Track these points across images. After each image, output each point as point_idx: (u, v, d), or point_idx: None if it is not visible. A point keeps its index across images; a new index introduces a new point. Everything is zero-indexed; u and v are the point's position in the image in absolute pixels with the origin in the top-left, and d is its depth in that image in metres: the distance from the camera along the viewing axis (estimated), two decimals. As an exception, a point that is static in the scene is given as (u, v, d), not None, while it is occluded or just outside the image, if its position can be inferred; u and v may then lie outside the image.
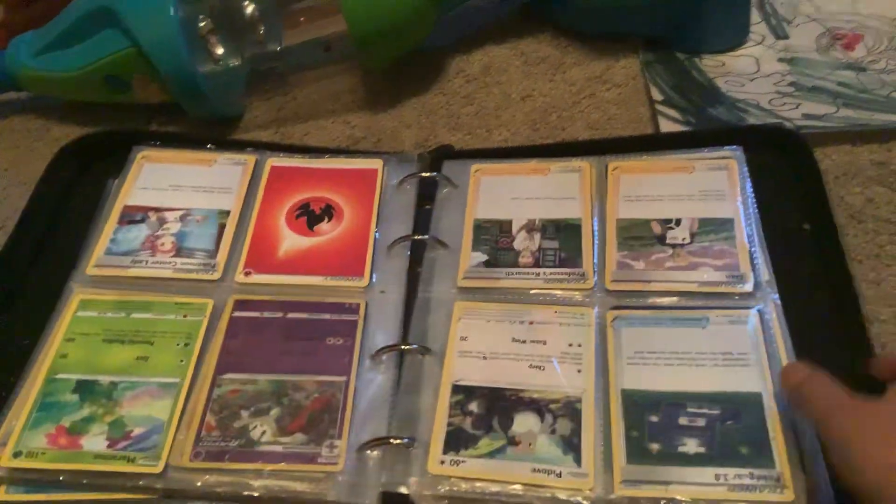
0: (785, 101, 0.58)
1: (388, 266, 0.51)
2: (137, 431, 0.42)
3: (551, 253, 0.50)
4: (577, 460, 0.41)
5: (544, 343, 0.46)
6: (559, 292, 0.48)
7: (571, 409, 0.43)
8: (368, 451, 0.42)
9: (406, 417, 0.44)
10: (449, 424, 0.43)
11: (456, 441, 0.42)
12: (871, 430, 0.36)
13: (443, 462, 0.42)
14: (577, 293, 0.48)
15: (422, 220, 0.53)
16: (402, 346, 0.46)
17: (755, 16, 0.65)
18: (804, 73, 0.60)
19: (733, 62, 0.63)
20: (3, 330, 0.49)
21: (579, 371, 0.45)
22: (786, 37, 0.64)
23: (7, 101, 0.69)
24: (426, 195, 0.55)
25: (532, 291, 0.48)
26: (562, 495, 0.40)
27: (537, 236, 0.51)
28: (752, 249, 0.48)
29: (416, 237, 0.51)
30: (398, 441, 0.43)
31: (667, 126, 0.58)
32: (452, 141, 0.62)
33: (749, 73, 0.61)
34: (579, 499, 0.40)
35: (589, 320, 0.47)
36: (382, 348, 0.46)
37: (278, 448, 0.42)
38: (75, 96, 0.66)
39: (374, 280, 0.50)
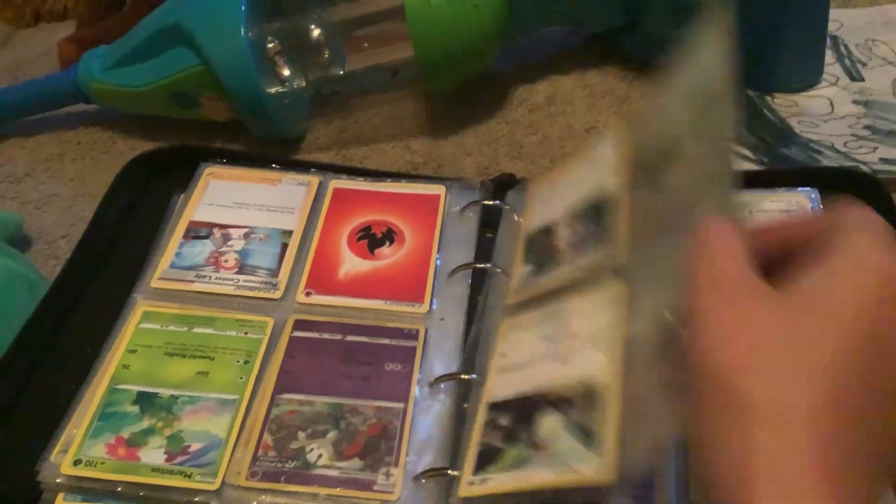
0: (861, 145, 0.57)
1: (448, 293, 0.50)
2: (195, 447, 0.42)
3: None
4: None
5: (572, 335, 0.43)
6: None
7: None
8: (424, 481, 0.41)
9: (456, 447, 0.43)
10: (481, 444, 0.42)
11: (485, 459, 0.41)
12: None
13: (471, 483, 0.40)
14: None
15: (483, 247, 0.52)
16: (462, 376, 0.45)
17: (829, 56, 0.64)
18: (880, 116, 0.59)
19: (806, 102, 0.61)
20: (67, 337, 0.49)
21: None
22: (861, 79, 0.63)
23: (76, 113, 0.71)
24: (488, 223, 0.54)
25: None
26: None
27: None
28: None
29: (477, 265, 0.51)
30: (454, 472, 0.42)
31: (738, 164, 0.57)
32: (514, 170, 0.61)
33: (823, 114, 0.60)
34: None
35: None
36: (441, 376, 0.46)
37: (334, 472, 0.41)
38: (143, 111, 0.67)
39: (434, 307, 0.49)
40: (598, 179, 0.47)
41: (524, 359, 0.44)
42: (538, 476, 0.38)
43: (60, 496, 0.41)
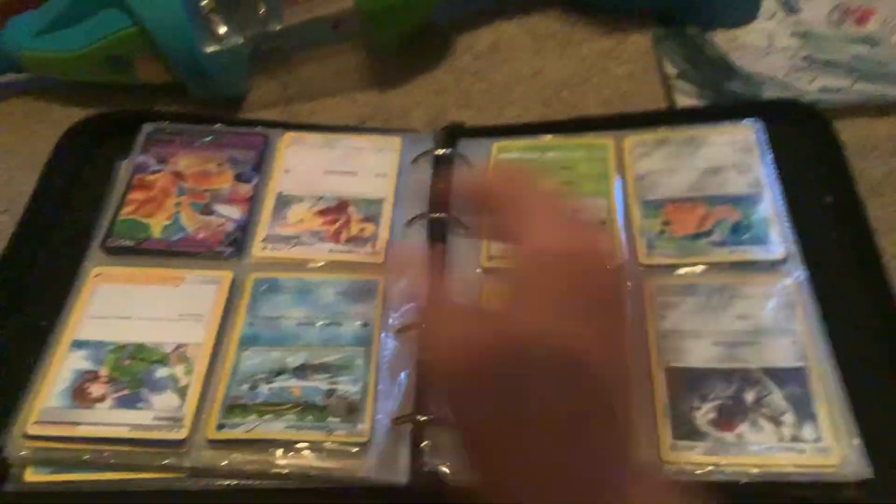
0: (800, 75, 0.58)
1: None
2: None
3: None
4: None
5: None
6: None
7: None
8: (393, 427, 0.42)
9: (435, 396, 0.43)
10: None
11: None
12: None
13: None
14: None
15: (438, 198, 0.52)
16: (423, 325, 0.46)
17: (766, -10, 0.65)
18: (818, 47, 0.60)
19: (746, 37, 0.62)
20: (20, 312, 0.48)
21: None
22: (798, 11, 0.63)
23: (6, 83, 0.68)
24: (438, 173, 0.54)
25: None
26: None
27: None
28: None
29: (433, 215, 0.51)
30: (423, 418, 0.42)
31: (684, 101, 0.58)
32: (463, 118, 0.61)
33: (762, 47, 0.61)
34: None
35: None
36: (403, 326, 0.46)
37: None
38: (76, 77, 0.65)
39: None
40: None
41: None
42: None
43: (29, 470, 0.40)
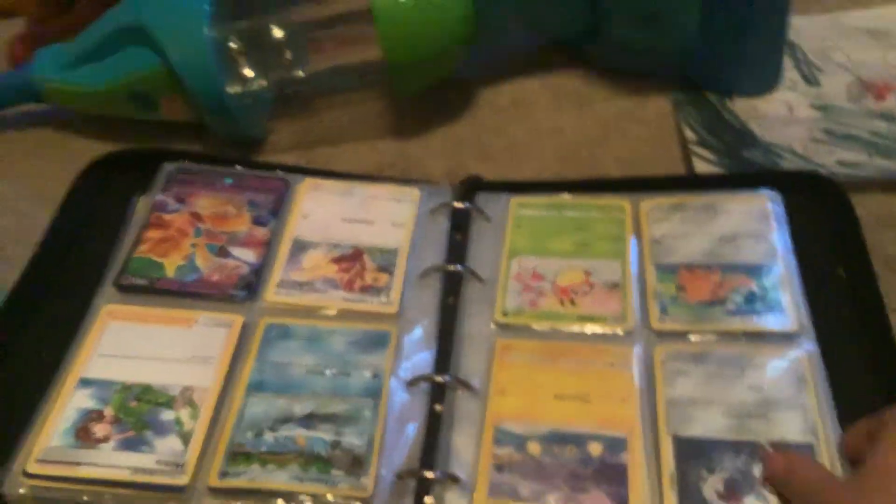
0: (819, 148, 0.58)
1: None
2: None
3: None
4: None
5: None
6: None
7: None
8: (398, 481, 0.42)
9: (442, 451, 0.43)
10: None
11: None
12: None
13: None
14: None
15: (454, 250, 0.52)
16: (436, 378, 0.45)
17: (787, 62, 0.65)
18: (837, 120, 0.60)
19: (765, 106, 0.63)
20: (27, 344, 0.47)
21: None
22: (818, 84, 0.64)
23: (27, 113, 0.68)
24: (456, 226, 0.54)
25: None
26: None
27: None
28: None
29: (449, 267, 0.51)
30: (430, 475, 0.41)
31: (701, 167, 0.58)
32: (482, 171, 0.61)
33: (782, 118, 0.61)
34: None
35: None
36: (416, 378, 0.45)
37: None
38: (99, 111, 0.65)
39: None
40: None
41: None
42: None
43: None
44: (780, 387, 0.44)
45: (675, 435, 0.43)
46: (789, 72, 0.65)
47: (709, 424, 0.43)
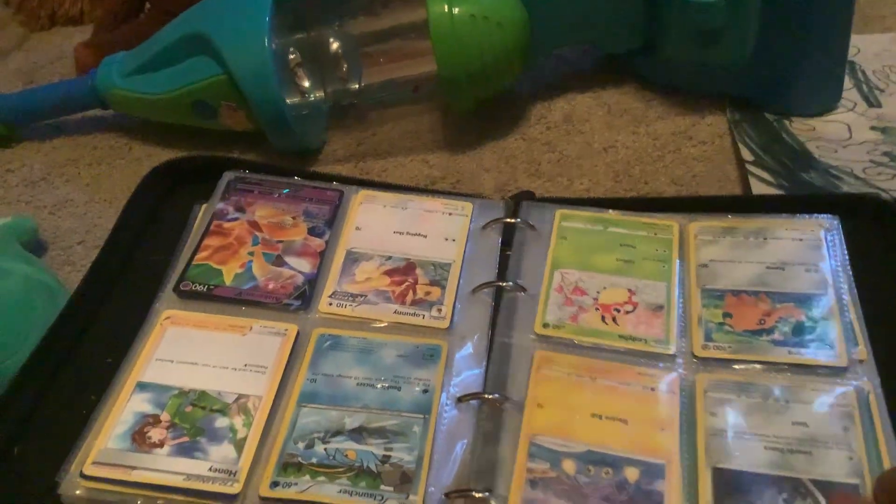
0: (880, 171, 0.57)
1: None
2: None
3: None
4: None
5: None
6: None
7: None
8: (448, 499, 0.41)
9: (484, 468, 0.43)
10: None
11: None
12: None
13: None
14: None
15: (506, 266, 0.52)
16: (486, 395, 0.45)
17: (847, 82, 0.64)
18: (899, 143, 0.59)
19: (824, 127, 0.62)
20: (87, 347, 0.49)
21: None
22: (878, 105, 0.63)
23: (92, 118, 0.70)
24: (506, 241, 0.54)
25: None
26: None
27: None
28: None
29: (501, 283, 0.51)
30: (479, 494, 0.41)
31: (759, 188, 0.57)
32: (532, 187, 0.61)
33: (841, 139, 0.60)
34: None
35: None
36: (465, 395, 0.45)
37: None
38: (161, 118, 0.67)
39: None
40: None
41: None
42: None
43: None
44: (826, 423, 0.43)
45: (715, 467, 0.42)
46: (849, 92, 0.64)
47: (750, 458, 0.42)
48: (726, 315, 0.48)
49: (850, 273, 0.49)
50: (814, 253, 0.50)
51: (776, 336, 0.47)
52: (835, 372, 0.45)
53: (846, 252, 0.50)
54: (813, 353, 0.46)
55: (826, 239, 0.51)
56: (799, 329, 0.47)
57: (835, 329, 0.47)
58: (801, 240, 0.51)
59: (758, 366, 0.46)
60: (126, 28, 0.77)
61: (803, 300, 0.48)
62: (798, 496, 0.40)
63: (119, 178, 0.66)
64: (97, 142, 0.70)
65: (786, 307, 0.48)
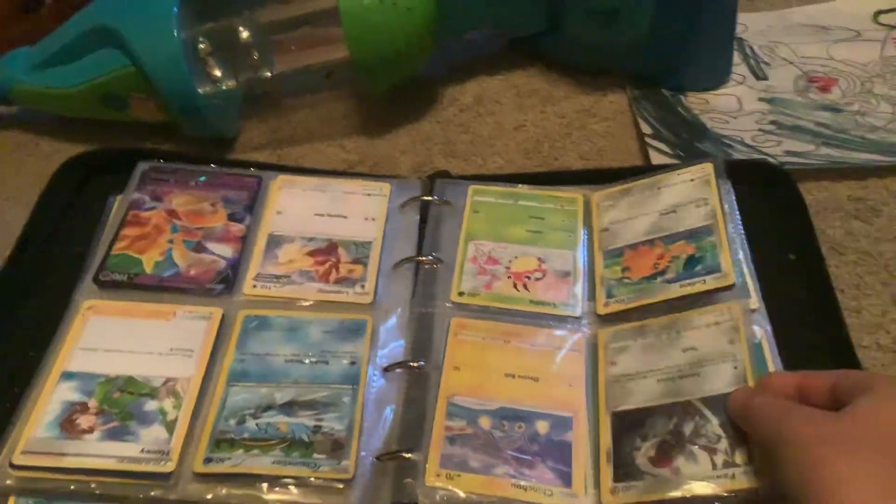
0: (767, 139, 0.61)
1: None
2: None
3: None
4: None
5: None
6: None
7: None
8: (379, 463, 0.43)
9: (411, 431, 0.45)
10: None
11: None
12: (838, 445, 0.34)
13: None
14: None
15: (425, 241, 0.54)
16: (411, 363, 0.47)
17: (736, 57, 0.69)
18: (784, 112, 0.64)
19: (716, 100, 0.66)
20: (8, 342, 0.48)
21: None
22: (765, 78, 0.67)
23: (-4, 116, 0.69)
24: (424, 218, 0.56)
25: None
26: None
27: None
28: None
29: (419, 258, 0.52)
30: (407, 455, 0.43)
31: (657, 158, 0.61)
32: (448, 167, 0.63)
33: (732, 111, 0.65)
34: None
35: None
36: (391, 364, 0.47)
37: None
38: (70, 113, 0.66)
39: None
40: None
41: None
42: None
43: (12, 500, 0.41)
44: (713, 341, 0.45)
45: (614, 411, 0.45)
46: (738, 67, 0.68)
47: (644, 394, 0.44)
48: (625, 269, 0.51)
49: (737, 209, 0.52)
50: (703, 188, 0.52)
51: (668, 276, 0.49)
52: (722, 292, 0.47)
53: (733, 193, 0.53)
54: (702, 280, 0.48)
55: (714, 175, 0.53)
56: (689, 262, 0.49)
57: (721, 252, 0.48)
58: (691, 180, 0.54)
59: (653, 309, 0.48)
60: (27, 23, 0.75)
61: (693, 234, 0.50)
62: (687, 417, 0.42)
63: (28, 175, 0.64)
64: (2, 139, 0.68)
65: (677, 246, 0.51)
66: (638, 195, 0.55)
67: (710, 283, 0.48)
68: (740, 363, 0.43)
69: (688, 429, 0.42)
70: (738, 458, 0.40)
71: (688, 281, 0.48)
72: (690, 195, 0.53)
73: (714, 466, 0.40)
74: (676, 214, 0.52)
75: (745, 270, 0.50)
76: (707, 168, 0.54)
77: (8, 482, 0.41)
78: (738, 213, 0.52)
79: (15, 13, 0.75)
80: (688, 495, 0.40)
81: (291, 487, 0.42)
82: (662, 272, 0.50)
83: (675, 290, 0.48)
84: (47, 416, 0.43)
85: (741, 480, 0.39)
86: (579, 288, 0.51)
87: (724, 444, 0.41)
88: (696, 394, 0.43)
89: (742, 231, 0.52)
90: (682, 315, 0.47)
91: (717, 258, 0.48)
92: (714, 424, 0.42)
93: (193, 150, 0.65)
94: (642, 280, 0.50)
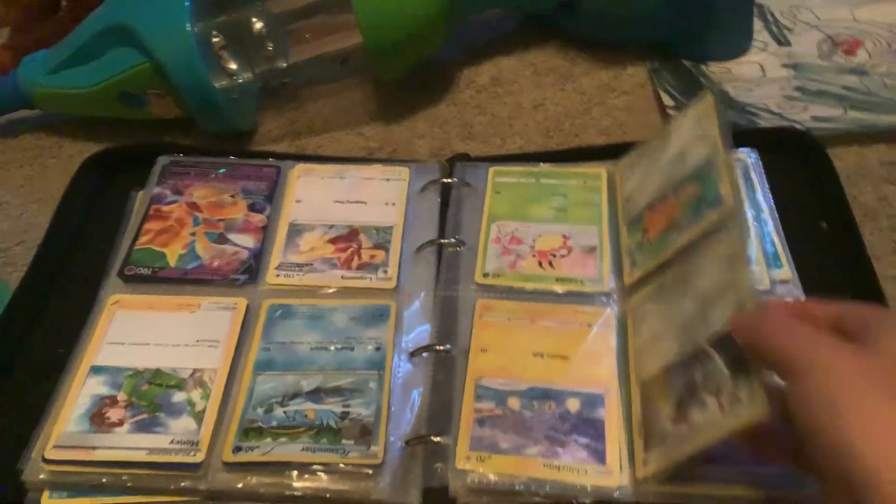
0: (793, 105, 0.60)
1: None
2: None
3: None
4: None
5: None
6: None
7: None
8: (408, 447, 0.43)
9: (439, 414, 0.44)
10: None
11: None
12: (874, 377, 0.32)
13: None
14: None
15: (446, 224, 0.54)
16: (437, 347, 0.47)
17: (757, 24, 0.67)
18: (809, 77, 0.62)
19: (739, 69, 0.64)
20: (38, 339, 0.49)
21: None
22: (788, 44, 0.66)
23: (20, 120, 0.69)
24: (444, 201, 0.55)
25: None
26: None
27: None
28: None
29: (441, 241, 0.52)
30: (437, 439, 0.43)
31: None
32: (467, 150, 0.62)
33: (755, 78, 0.63)
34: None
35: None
36: (417, 349, 0.47)
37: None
38: (89, 113, 0.66)
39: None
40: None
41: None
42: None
43: (45, 494, 0.41)
44: (718, 273, 0.42)
45: (642, 381, 0.44)
46: (759, 34, 0.67)
47: (665, 356, 0.43)
48: (644, 232, 0.50)
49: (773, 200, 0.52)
50: (705, 123, 0.49)
51: (681, 223, 0.47)
52: (721, 223, 0.44)
53: (766, 181, 0.53)
54: (705, 215, 0.45)
55: (715, 109, 0.49)
56: (697, 203, 0.46)
57: (721, 183, 0.45)
58: (695, 119, 0.50)
59: (670, 265, 0.46)
60: (45, 27, 0.76)
61: (697, 174, 0.47)
62: (698, 364, 0.40)
63: (52, 177, 0.65)
64: (26, 143, 0.68)
65: (685, 191, 0.48)
66: (650, 154, 0.53)
67: (712, 217, 0.45)
68: (744, 292, 0.40)
69: (699, 377, 0.40)
70: (743, 392, 0.37)
71: (694, 222, 0.46)
72: (694, 130, 0.50)
73: (721, 408, 0.38)
74: (683, 157, 0.49)
75: (776, 240, 0.49)
76: (708, 99, 0.50)
77: (41, 476, 0.42)
78: (765, 178, 0.51)
79: (31, 19, 0.76)
80: (698, 449, 0.38)
81: (321, 474, 0.42)
82: (675, 224, 0.47)
83: (684, 238, 0.46)
84: (77, 410, 0.44)
85: (747, 415, 0.36)
86: (607, 263, 0.50)
87: (729, 384, 0.38)
88: (703, 336, 0.41)
89: (771, 200, 0.52)
90: (690, 262, 0.45)
91: (718, 190, 0.45)
92: (720, 364, 0.39)
93: (212, 144, 0.65)
94: (658, 237, 0.48)
